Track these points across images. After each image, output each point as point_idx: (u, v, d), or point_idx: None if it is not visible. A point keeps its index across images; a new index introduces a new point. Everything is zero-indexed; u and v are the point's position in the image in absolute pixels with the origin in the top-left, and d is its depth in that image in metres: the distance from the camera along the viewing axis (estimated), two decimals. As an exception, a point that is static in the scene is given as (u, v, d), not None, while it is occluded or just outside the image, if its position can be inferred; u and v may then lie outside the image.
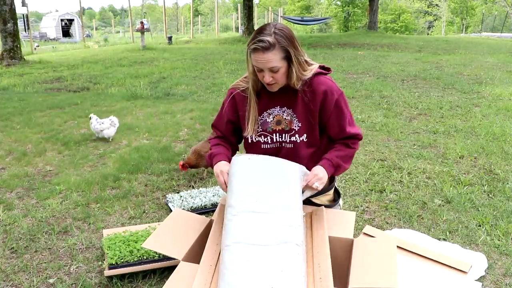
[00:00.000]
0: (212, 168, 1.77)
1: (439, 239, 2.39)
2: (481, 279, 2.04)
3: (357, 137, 1.80)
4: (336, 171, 1.74)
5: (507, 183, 3.11)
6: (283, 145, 1.79)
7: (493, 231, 2.47)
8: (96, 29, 40.88)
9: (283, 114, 1.75)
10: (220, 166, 1.72)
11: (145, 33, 14.59)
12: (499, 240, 2.37)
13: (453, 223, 2.56)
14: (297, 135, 1.76)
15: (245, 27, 17.97)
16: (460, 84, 6.81)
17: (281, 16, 27.46)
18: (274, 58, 1.58)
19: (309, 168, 1.72)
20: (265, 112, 1.77)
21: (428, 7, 42.23)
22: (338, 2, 36.77)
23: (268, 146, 1.80)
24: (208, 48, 13.81)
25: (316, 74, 1.72)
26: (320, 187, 1.67)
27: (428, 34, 39.58)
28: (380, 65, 8.95)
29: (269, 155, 1.82)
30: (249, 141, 1.80)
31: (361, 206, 2.82)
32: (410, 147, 3.93)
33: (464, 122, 4.70)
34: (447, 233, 2.46)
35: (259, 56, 1.58)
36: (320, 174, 1.67)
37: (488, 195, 2.95)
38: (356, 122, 5.31)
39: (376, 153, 3.77)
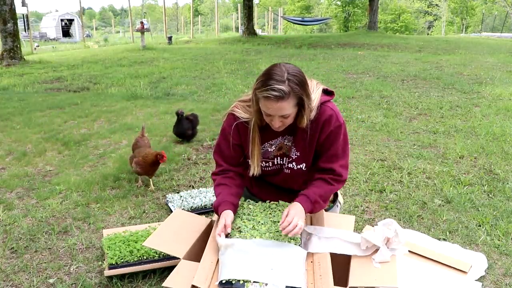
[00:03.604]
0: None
1: (439, 239, 2.39)
2: (481, 279, 2.04)
3: (338, 176, 1.69)
4: (313, 208, 1.63)
5: (507, 183, 3.11)
6: (283, 168, 1.78)
7: (493, 231, 2.47)
8: (96, 29, 40.91)
9: (284, 141, 1.73)
10: (221, 219, 1.62)
11: (145, 33, 14.58)
12: (499, 240, 2.37)
13: (453, 223, 2.56)
14: (294, 163, 1.74)
15: (245, 27, 17.97)
16: (460, 84, 6.81)
17: (281, 16, 27.48)
18: (288, 106, 1.51)
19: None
20: (267, 143, 1.74)
21: (428, 7, 42.26)
22: (338, 2, 36.74)
23: (269, 169, 1.79)
24: (208, 48, 13.81)
25: (321, 104, 1.65)
26: (301, 225, 1.52)
27: (428, 34, 39.61)
28: (380, 65, 8.95)
29: (270, 176, 1.83)
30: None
31: (361, 206, 2.82)
32: (410, 147, 3.93)
33: (464, 122, 4.70)
34: (447, 233, 2.46)
35: (272, 104, 1.49)
36: (296, 212, 1.54)
37: (488, 195, 2.95)
38: (356, 122, 5.26)
39: (376, 153, 3.77)
